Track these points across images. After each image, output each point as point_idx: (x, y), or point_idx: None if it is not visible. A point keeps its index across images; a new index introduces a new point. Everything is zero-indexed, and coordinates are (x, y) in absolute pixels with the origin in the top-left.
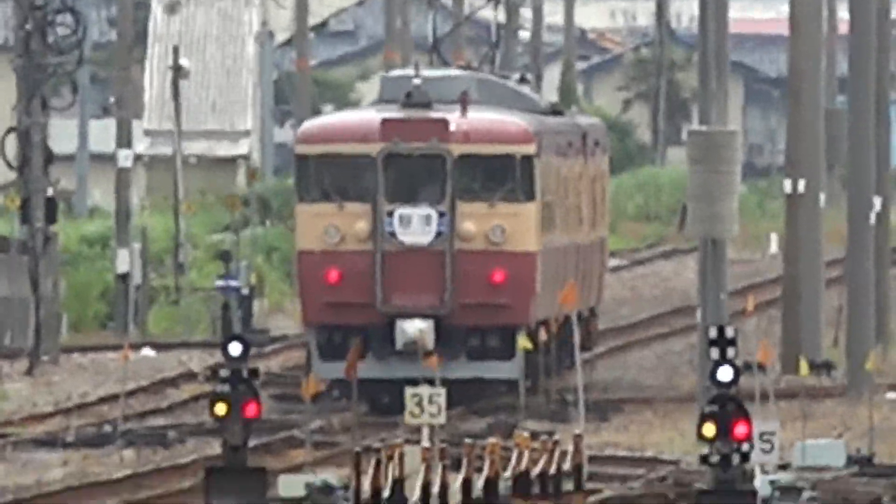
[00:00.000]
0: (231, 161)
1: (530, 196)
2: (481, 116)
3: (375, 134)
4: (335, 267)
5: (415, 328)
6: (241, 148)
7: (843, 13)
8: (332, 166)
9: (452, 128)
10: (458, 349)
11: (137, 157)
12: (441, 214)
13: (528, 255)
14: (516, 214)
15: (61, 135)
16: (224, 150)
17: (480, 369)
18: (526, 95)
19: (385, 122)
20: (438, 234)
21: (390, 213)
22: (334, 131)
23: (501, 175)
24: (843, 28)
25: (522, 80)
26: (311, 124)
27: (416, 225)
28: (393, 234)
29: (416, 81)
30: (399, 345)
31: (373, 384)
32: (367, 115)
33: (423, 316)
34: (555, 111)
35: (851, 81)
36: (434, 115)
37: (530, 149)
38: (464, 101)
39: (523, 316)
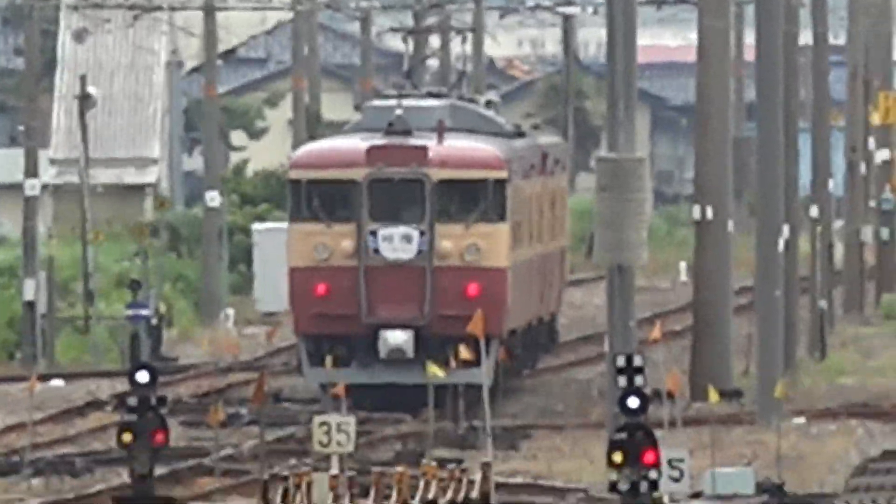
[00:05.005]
0: (139, 189)
1: (502, 217)
2: (457, 144)
3: (361, 160)
4: (323, 281)
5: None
6: (150, 176)
7: (751, 39)
8: (321, 189)
9: (431, 155)
10: (436, 357)
11: (44, 187)
12: (421, 233)
13: (500, 270)
14: (489, 234)
15: None
16: (132, 178)
17: (455, 376)
18: (493, 120)
19: (370, 149)
20: (419, 251)
21: (374, 233)
22: (323, 158)
23: (476, 198)
24: (751, 54)
25: (489, 104)
26: (302, 152)
27: (397, 243)
28: (377, 251)
29: (398, 112)
30: (383, 353)
31: (357, 389)
32: (353, 143)
33: (404, 326)
34: (518, 133)
35: (760, 109)
36: (414, 142)
37: (502, 174)
38: (440, 130)
39: (496, 326)
